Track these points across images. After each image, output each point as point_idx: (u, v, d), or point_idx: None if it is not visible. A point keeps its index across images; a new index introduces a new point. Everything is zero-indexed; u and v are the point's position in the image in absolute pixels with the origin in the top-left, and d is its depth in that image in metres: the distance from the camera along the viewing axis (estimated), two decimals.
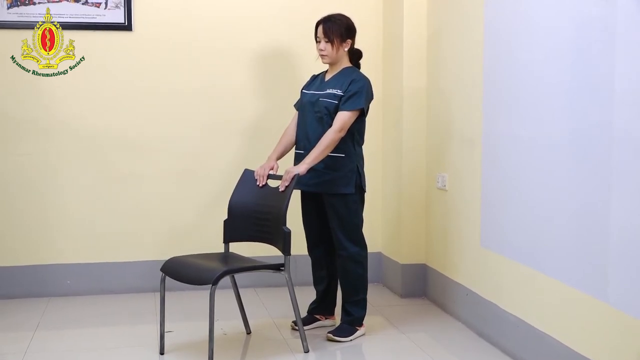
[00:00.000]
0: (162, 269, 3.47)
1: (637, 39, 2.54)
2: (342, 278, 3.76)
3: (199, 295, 4.14)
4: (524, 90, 3.30)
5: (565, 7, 2.96)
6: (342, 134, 3.59)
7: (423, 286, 4.45)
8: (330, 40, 3.64)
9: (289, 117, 3.93)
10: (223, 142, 4.58)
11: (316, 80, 3.81)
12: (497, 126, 3.55)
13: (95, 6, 4.33)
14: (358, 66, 3.79)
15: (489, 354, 3.51)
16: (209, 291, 3.21)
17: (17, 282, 4.38)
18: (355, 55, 3.78)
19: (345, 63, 3.73)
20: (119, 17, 4.35)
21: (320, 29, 3.67)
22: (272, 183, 3.64)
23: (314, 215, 3.80)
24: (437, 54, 4.26)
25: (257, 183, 3.67)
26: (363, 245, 3.74)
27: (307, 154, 3.59)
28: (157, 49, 4.45)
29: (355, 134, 3.67)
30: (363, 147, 3.78)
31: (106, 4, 4.33)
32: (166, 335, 3.55)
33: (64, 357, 3.49)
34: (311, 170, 3.58)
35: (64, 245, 4.45)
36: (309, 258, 3.89)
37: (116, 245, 4.51)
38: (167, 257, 3.56)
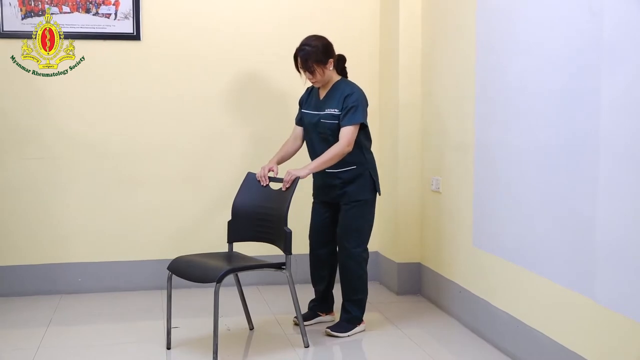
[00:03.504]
0: (168, 268, 3.51)
1: (623, 50, 2.56)
2: (342, 276, 3.76)
3: (204, 293, 4.19)
4: (514, 99, 3.31)
5: (554, 19, 2.99)
6: (350, 148, 3.60)
7: (418, 284, 4.48)
8: (311, 69, 3.62)
9: (291, 123, 3.97)
10: (227, 147, 4.61)
11: (312, 97, 3.80)
12: (489, 133, 3.57)
13: (106, 17, 4.36)
14: (345, 71, 3.77)
15: (482, 349, 3.55)
16: (213, 289, 3.25)
17: (31, 280, 4.43)
18: (340, 63, 3.76)
19: (335, 77, 3.73)
20: (128, 27, 4.39)
21: (299, 60, 3.64)
22: (274, 186, 3.68)
23: (325, 217, 3.82)
24: (431, 65, 4.27)
25: (261, 183, 3.69)
26: (366, 248, 3.77)
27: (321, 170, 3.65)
28: (164, 57, 4.49)
29: (362, 143, 3.70)
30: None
31: (116, 14, 4.36)
32: (173, 331, 3.59)
33: (76, 351, 3.53)
34: (329, 186, 3.66)
35: (76, 245, 4.49)
36: (309, 257, 3.91)
37: (125, 245, 4.54)
38: (173, 257, 3.61)
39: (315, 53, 3.62)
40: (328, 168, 3.66)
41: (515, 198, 3.34)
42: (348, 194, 3.71)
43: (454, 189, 4.02)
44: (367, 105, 3.73)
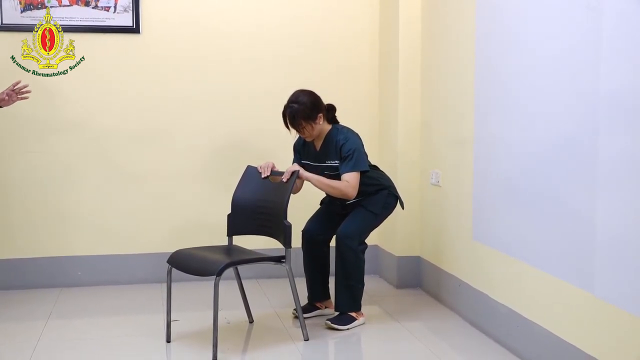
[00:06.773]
0: (168, 261, 3.52)
1: (621, 47, 2.58)
2: (337, 262, 3.76)
3: (203, 286, 4.20)
4: (513, 94, 3.33)
5: (553, 15, 3.00)
6: (354, 195, 3.63)
7: (418, 277, 4.50)
8: (300, 127, 3.62)
9: None
10: (226, 141, 4.63)
11: (308, 146, 3.79)
12: (488, 127, 3.58)
13: (105, 10, 4.38)
14: (335, 119, 3.79)
15: (481, 342, 3.56)
16: (213, 282, 3.26)
17: (30, 273, 4.45)
18: (330, 112, 3.76)
19: (326, 127, 3.73)
20: (127, 20, 4.41)
21: (287, 121, 3.63)
22: (273, 180, 3.68)
23: (332, 216, 3.87)
24: (431, 60, 4.29)
25: (262, 174, 3.70)
26: (364, 242, 3.79)
27: (336, 197, 3.71)
28: (164, 50, 4.51)
29: (371, 174, 3.74)
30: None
31: (115, 7, 4.38)
32: (172, 324, 3.61)
33: (75, 344, 3.55)
34: (345, 205, 3.75)
35: (75, 239, 4.52)
36: (302, 243, 3.90)
37: (125, 239, 4.57)
38: (173, 250, 3.62)
39: (303, 111, 3.61)
40: (350, 200, 3.73)
41: (515, 192, 3.35)
42: (361, 203, 3.77)
43: (454, 183, 4.04)
44: (362, 146, 3.73)
